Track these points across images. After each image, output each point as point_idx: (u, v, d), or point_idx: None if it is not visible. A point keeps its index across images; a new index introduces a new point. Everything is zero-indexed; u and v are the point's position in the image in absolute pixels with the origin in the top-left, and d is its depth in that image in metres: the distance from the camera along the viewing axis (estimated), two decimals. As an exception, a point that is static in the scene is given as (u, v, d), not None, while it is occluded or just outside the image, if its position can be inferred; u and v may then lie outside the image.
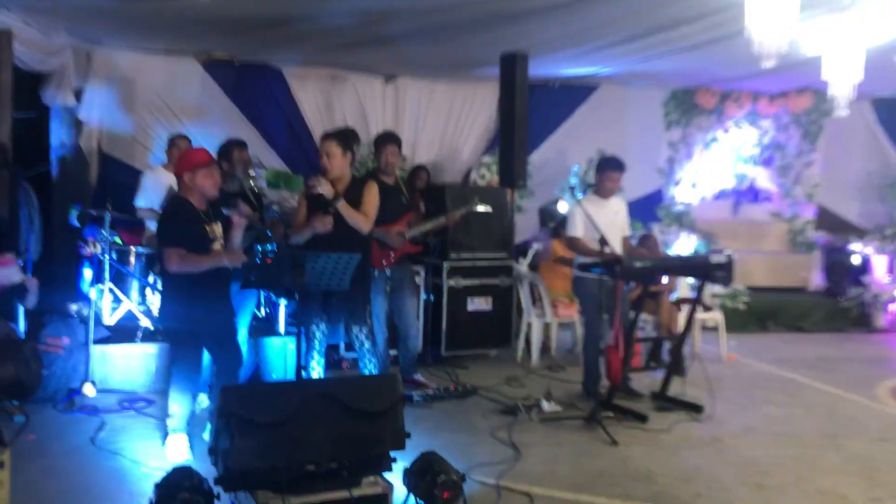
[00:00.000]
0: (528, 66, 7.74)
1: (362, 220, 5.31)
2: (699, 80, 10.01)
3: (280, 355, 6.53)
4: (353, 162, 5.49)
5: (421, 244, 6.77)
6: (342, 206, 5.18)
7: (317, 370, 5.46)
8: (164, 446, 4.88)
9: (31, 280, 5.89)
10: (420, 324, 7.21)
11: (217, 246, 4.76)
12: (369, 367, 5.48)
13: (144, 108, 8.49)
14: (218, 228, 4.82)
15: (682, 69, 8.97)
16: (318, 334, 5.41)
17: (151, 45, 8.18)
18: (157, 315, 6.04)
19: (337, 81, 9.19)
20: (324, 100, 9.20)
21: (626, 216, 6.59)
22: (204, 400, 5.64)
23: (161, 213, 5.11)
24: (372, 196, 5.40)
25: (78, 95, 7.96)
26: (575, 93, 10.07)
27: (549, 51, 7.83)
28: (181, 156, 4.89)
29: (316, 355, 5.46)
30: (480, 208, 7.00)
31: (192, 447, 4.85)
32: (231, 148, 6.03)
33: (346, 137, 5.37)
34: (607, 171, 6.36)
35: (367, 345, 5.42)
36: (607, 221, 6.23)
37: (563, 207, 9.36)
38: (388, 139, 6.47)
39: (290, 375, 6.18)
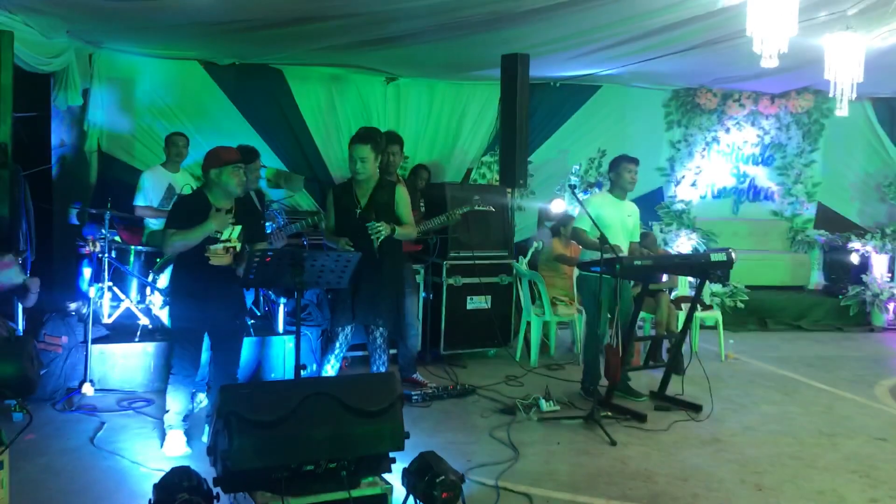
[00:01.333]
0: (529, 66, 7.74)
1: (412, 230, 5.60)
2: (700, 81, 10.02)
3: (279, 354, 6.53)
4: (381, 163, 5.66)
5: (421, 243, 6.78)
6: (398, 234, 5.41)
7: (329, 373, 5.49)
8: (163, 444, 4.90)
9: (33, 280, 5.88)
10: (419, 323, 7.21)
11: (217, 246, 4.73)
12: (378, 363, 5.54)
13: (145, 108, 8.49)
14: (230, 231, 4.79)
15: (684, 70, 8.98)
16: (340, 336, 5.51)
17: (152, 49, 8.17)
18: (168, 313, 6.04)
19: (338, 82, 9.18)
20: (324, 100, 9.20)
21: (638, 221, 6.60)
22: (203, 399, 5.64)
23: (177, 199, 5.16)
24: (407, 201, 5.62)
25: (83, 97, 7.97)
26: (576, 93, 10.07)
27: (550, 51, 7.82)
28: (209, 152, 4.90)
29: (332, 359, 5.53)
30: (481, 207, 7.01)
31: (190, 446, 4.87)
32: (248, 156, 5.94)
33: (377, 140, 5.44)
34: (623, 163, 6.36)
35: (379, 341, 5.50)
36: (618, 222, 6.28)
37: (557, 206, 9.36)
38: (389, 139, 6.46)
39: (289, 374, 6.21)
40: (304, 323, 6.16)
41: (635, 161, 6.40)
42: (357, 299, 5.39)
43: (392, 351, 6.77)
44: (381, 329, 5.51)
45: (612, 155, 9.49)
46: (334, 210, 5.54)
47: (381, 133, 5.63)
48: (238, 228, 4.82)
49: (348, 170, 5.56)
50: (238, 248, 4.82)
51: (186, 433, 4.95)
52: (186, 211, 4.80)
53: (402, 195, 5.58)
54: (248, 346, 6.32)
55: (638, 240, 6.65)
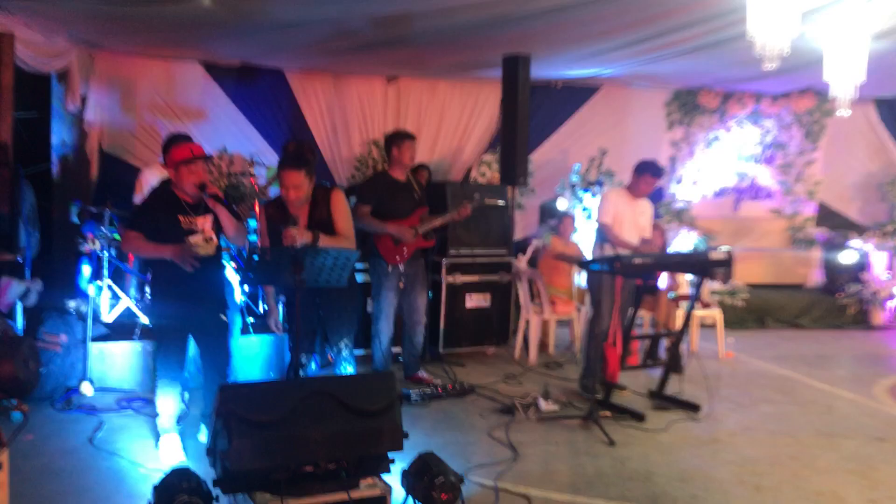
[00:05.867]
0: (530, 67, 7.74)
1: (346, 242, 4.94)
2: (702, 81, 10.00)
3: (278, 353, 6.55)
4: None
5: (433, 239, 6.82)
6: (323, 243, 4.79)
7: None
8: (157, 448, 4.90)
9: (34, 282, 5.88)
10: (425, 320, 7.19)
11: (196, 238, 4.70)
12: (345, 370, 5.31)
13: (146, 108, 8.52)
14: (202, 222, 4.76)
15: (685, 70, 8.97)
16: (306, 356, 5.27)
17: (153, 50, 8.16)
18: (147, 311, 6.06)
19: (339, 82, 9.19)
20: (325, 100, 9.20)
21: (650, 219, 6.70)
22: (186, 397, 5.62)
23: (143, 198, 5.10)
24: (344, 208, 5.02)
25: (83, 97, 7.97)
26: (577, 93, 10.07)
27: (551, 53, 7.82)
28: (170, 150, 4.91)
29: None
30: (490, 201, 7.06)
31: (185, 448, 4.88)
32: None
33: (310, 161, 5.06)
34: (646, 174, 6.41)
35: (345, 353, 5.25)
36: (631, 219, 6.39)
37: (562, 205, 9.37)
38: (407, 136, 6.53)
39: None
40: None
41: (658, 176, 6.46)
42: (317, 318, 5.05)
43: (396, 349, 6.80)
44: (345, 339, 5.24)
45: (612, 154, 9.51)
46: (269, 229, 5.00)
47: (312, 152, 5.19)
48: (211, 217, 4.80)
49: (354, 172, 5.15)
50: (216, 238, 4.80)
51: (181, 434, 4.96)
52: (147, 210, 4.80)
53: (338, 202, 4.99)
54: (248, 345, 6.35)
55: (650, 236, 6.72)
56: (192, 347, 5.08)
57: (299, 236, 4.67)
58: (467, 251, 7.50)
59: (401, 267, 6.41)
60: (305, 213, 4.95)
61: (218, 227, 4.83)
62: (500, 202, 7.50)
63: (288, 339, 5.96)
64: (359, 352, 6.79)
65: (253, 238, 6.31)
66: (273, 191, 8.07)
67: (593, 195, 9.02)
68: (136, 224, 4.78)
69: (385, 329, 6.45)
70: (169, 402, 4.87)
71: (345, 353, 5.24)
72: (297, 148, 5.08)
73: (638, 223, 6.49)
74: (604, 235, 6.38)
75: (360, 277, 6.17)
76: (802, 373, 7.49)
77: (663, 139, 10.51)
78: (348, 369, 5.28)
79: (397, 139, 6.48)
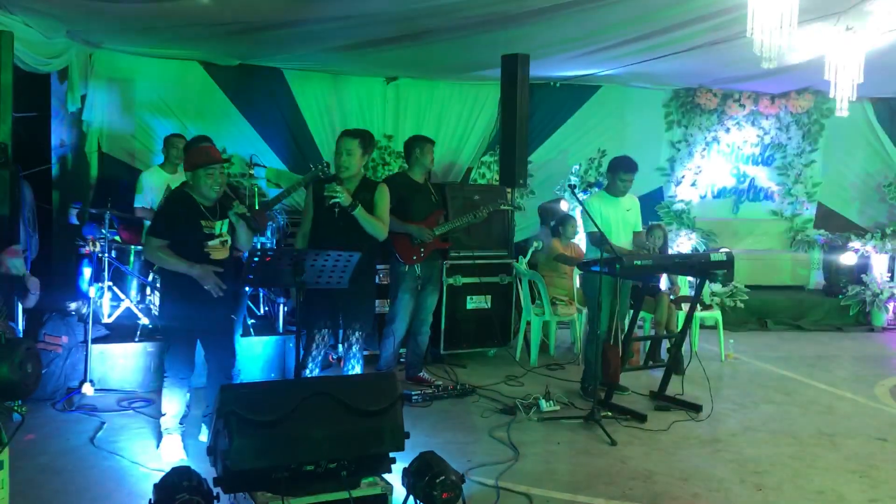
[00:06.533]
0: (528, 66, 7.74)
1: (381, 225, 5.23)
2: (701, 81, 10.02)
3: (279, 354, 6.54)
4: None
5: (449, 240, 6.87)
6: (360, 214, 5.07)
7: None
8: (159, 447, 4.90)
9: (32, 279, 5.87)
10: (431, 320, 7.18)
11: (215, 242, 4.74)
12: (352, 369, 5.32)
13: (145, 108, 8.50)
14: (220, 225, 4.79)
15: (684, 70, 8.98)
16: (317, 339, 5.27)
17: (152, 49, 8.16)
18: (157, 312, 6.06)
19: (338, 82, 9.19)
20: (325, 100, 9.20)
21: (638, 213, 6.65)
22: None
23: (161, 202, 5.11)
24: (386, 201, 5.33)
25: (82, 97, 7.97)
26: (576, 93, 10.08)
27: (550, 52, 7.83)
28: (188, 153, 4.89)
29: (311, 365, 5.33)
30: (506, 206, 7.28)
31: (186, 447, 4.87)
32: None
33: (365, 138, 5.35)
34: (619, 171, 6.40)
35: (355, 348, 5.26)
36: (618, 218, 6.37)
37: (563, 206, 9.38)
38: (429, 139, 6.67)
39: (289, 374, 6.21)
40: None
41: (633, 170, 6.42)
42: (333, 301, 5.06)
43: (401, 350, 6.79)
44: (357, 333, 5.27)
45: (612, 155, 9.49)
46: (313, 208, 5.23)
47: (372, 136, 5.52)
48: (226, 221, 4.81)
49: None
50: (229, 241, 4.84)
51: (183, 434, 4.94)
52: (170, 215, 4.81)
53: (383, 194, 5.32)
54: (250, 345, 6.35)
55: (641, 229, 6.70)
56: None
57: (342, 194, 4.97)
58: (468, 253, 7.49)
59: (417, 268, 6.44)
60: (352, 193, 5.16)
61: (231, 229, 4.86)
62: (509, 206, 7.57)
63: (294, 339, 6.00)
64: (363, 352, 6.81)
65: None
66: (273, 193, 8.06)
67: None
68: (159, 231, 4.77)
69: (400, 330, 6.47)
70: (175, 402, 4.86)
71: (355, 348, 5.26)
72: (358, 129, 5.48)
73: (627, 221, 6.47)
74: (597, 241, 6.37)
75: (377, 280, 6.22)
76: (803, 373, 7.48)
77: (662, 139, 10.53)
78: (356, 368, 5.29)
79: (420, 142, 6.60)
